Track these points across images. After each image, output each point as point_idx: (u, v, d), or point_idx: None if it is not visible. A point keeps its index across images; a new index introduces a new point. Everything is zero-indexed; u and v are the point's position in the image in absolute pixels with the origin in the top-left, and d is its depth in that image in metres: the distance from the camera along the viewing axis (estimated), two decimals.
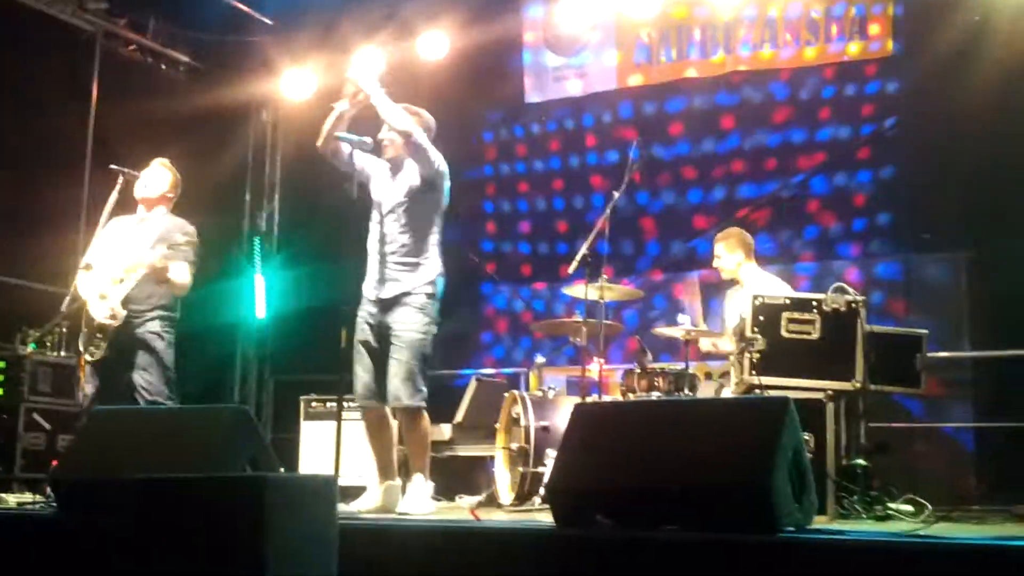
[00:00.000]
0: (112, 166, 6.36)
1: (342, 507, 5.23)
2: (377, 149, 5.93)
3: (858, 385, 5.66)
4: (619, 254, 7.12)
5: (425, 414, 5.80)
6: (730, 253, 6.91)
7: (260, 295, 9.60)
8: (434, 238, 5.89)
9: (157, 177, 6.48)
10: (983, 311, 7.52)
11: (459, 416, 7.73)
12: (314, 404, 8.03)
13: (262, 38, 9.63)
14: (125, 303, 6.08)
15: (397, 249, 5.86)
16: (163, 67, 9.63)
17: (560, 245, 8.79)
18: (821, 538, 4.29)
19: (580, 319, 6.80)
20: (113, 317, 6.04)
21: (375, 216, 5.97)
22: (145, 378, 6.13)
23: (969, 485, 6.46)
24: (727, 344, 6.78)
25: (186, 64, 9.74)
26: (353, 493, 5.98)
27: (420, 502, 5.69)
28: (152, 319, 6.22)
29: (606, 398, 6.51)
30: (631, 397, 6.46)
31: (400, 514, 5.59)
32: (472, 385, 7.91)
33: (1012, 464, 6.34)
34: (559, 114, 9.56)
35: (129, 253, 6.19)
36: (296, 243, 9.64)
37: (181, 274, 6.24)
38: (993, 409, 6.80)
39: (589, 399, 6.40)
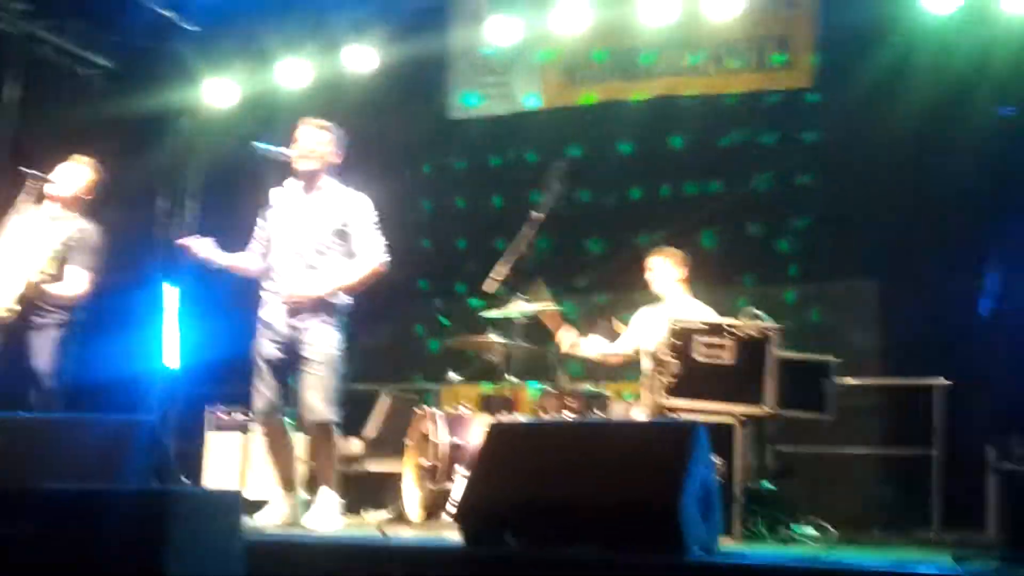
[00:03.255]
0: (21, 168, 6.25)
1: (247, 521, 5.19)
2: (287, 162, 5.93)
3: (767, 410, 5.73)
4: (537, 273, 7.11)
5: (335, 429, 5.78)
6: (674, 268, 6.97)
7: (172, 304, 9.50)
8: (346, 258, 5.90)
9: (73, 175, 6.37)
10: (892, 339, 7.65)
11: (369, 431, 7.68)
12: (220, 415, 7.91)
13: (184, 45, 9.52)
14: (21, 301, 5.98)
15: (307, 268, 5.85)
16: (82, 71, 9.47)
17: (482, 262, 8.78)
18: (725, 560, 4.34)
19: (496, 337, 6.80)
20: (9, 311, 5.94)
21: (283, 232, 5.93)
22: (36, 383, 6.04)
23: (877, 510, 6.55)
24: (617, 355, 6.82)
25: (106, 69, 9.59)
26: (259, 507, 5.92)
27: (327, 517, 5.66)
28: (48, 325, 6.12)
29: (519, 416, 6.51)
30: (544, 416, 6.47)
31: (306, 528, 5.55)
32: (383, 400, 7.87)
33: (915, 490, 6.44)
34: (484, 131, 9.55)
35: (34, 251, 6.08)
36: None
37: (78, 283, 6.14)
38: (898, 435, 6.91)
39: (502, 417, 6.40)
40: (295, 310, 5.79)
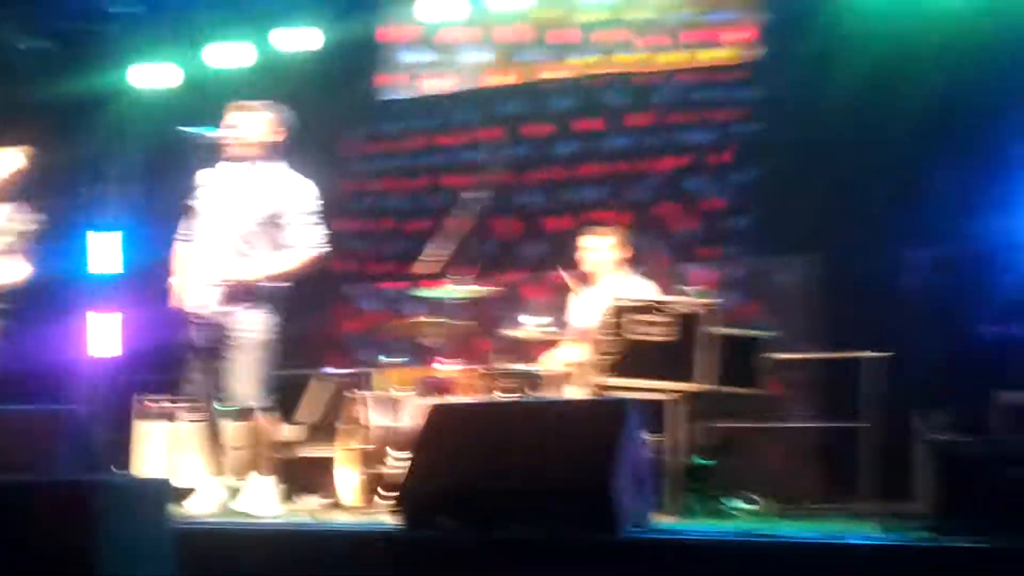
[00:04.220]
0: None
1: (176, 510, 5.15)
2: (218, 146, 5.85)
3: (701, 386, 5.76)
4: (473, 254, 7.09)
5: (264, 414, 5.75)
6: (613, 248, 6.95)
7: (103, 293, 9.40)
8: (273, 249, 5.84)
9: (2, 162, 6.28)
10: (831, 314, 7.71)
11: (303, 415, 7.63)
12: (147, 403, 7.79)
13: (117, 27, 9.39)
14: None
15: (252, 252, 5.78)
16: (11, 52, 9.31)
17: (414, 244, 8.73)
18: (661, 536, 4.39)
19: (429, 319, 6.78)
20: None
21: (212, 216, 5.87)
22: None
23: (809, 483, 6.62)
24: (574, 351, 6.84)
25: (36, 50, 9.43)
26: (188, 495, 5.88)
27: (259, 501, 5.63)
28: None
29: (452, 399, 6.49)
30: (477, 397, 6.46)
31: (239, 513, 5.52)
32: (315, 384, 7.81)
33: (849, 462, 6.50)
34: (418, 112, 9.51)
35: None
36: (143, 237, 9.41)
37: (15, 271, 6.05)
38: (834, 409, 6.98)
39: (433, 399, 6.36)
40: (223, 296, 5.73)
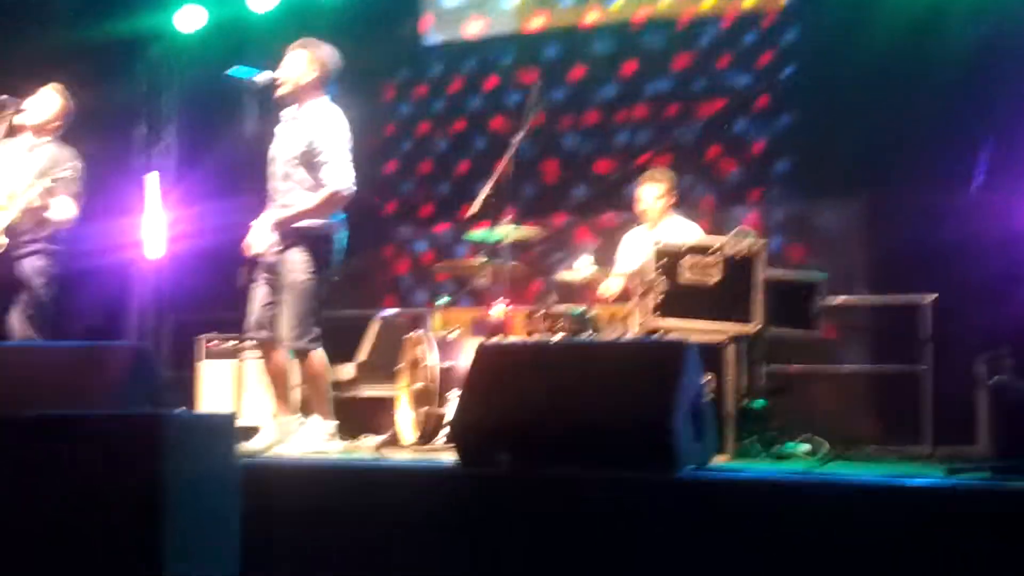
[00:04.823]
0: None
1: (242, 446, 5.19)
2: (271, 88, 5.86)
3: (757, 328, 5.74)
4: (520, 196, 7.06)
5: (319, 354, 5.79)
6: (665, 193, 6.97)
7: (157, 232, 9.40)
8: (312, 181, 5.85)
9: (43, 103, 6.30)
10: (880, 256, 7.65)
11: (362, 356, 7.67)
12: (214, 342, 7.89)
13: None
14: (8, 232, 5.94)
15: (289, 193, 5.83)
16: None
17: (461, 187, 8.72)
18: (718, 476, 4.38)
19: (482, 260, 6.78)
20: None
21: (270, 156, 5.90)
22: (21, 313, 6.00)
23: (865, 426, 6.60)
24: (614, 285, 6.81)
25: None
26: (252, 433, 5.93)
27: (311, 440, 5.69)
28: (32, 254, 6.08)
29: (509, 339, 6.50)
30: (534, 338, 6.47)
31: (288, 453, 5.58)
32: (375, 325, 7.85)
33: (904, 406, 6.48)
34: (460, 55, 9.46)
35: (13, 181, 6.02)
36: (193, 179, 9.42)
37: (64, 209, 6.10)
38: (889, 352, 6.94)
39: (491, 340, 6.40)
40: (274, 237, 5.77)
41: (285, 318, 5.72)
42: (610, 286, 6.92)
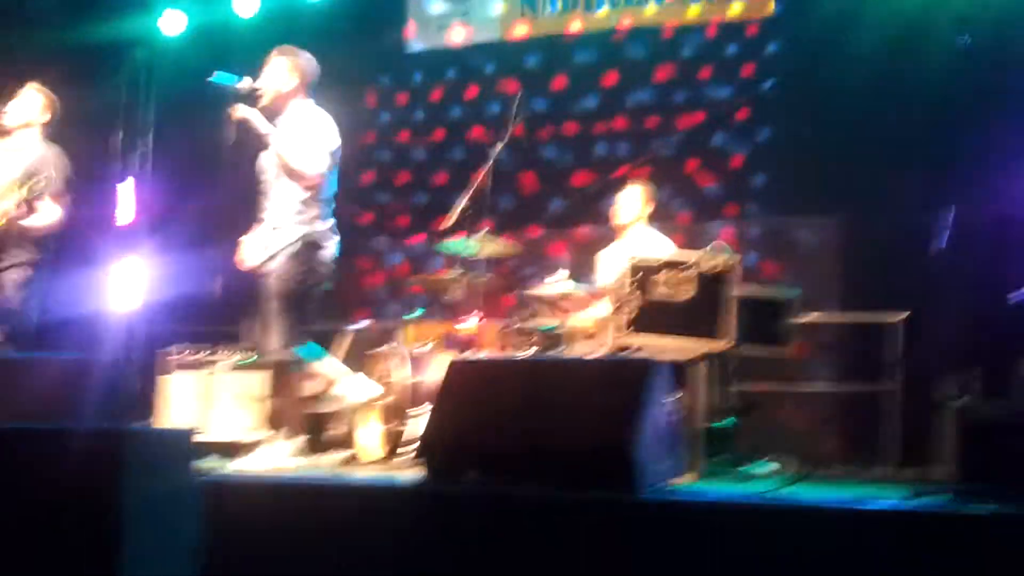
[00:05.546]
0: None
1: (231, 464, 5.20)
2: (252, 96, 5.84)
3: (728, 345, 5.74)
4: (498, 208, 7.06)
5: (296, 368, 5.75)
6: (643, 205, 6.95)
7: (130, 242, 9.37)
8: (311, 193, 5.82)
9: (25, 101, 6.27)
10: (854, 275, 7.68)
11: None
12: (182, 355, 7.82)
13: None
14: None
15: (273, 202, 5.83)
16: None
17: (439, 197, 8.72)
18: (682, 498, 4.38)
19: (456, 273, 6.77)
20: None
21: (259, 168, 5.89)
22: (3, 322, 5.98)
23: (831, 447, 6.62)
24: (600, 309, 6.81)
25: None
26: (222, 449, 5.92)
27: (276, 456, 5.64)
28: (13, 266, 6.05)
29: (481, 354, 6.49)
30: (506, 354, 6.46)
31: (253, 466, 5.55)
32: (346, 338, 7.82)
33: (871, 426, 6.49)
34: (442, 63, 9.45)
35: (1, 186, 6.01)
36: (171, 186, 9.39)
37: (47, 214, 6.07)
38: (857, 371, 6.96)
39: (463, 355, 6.39)
40: (267, 252, 5.78)
41: (267, 328, 5.68)
42: (595, 310, 6.89)
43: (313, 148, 5.77)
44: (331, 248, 5.88)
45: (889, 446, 6.38)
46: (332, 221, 5.92)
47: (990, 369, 5.90)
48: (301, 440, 5.79)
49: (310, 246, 5.79)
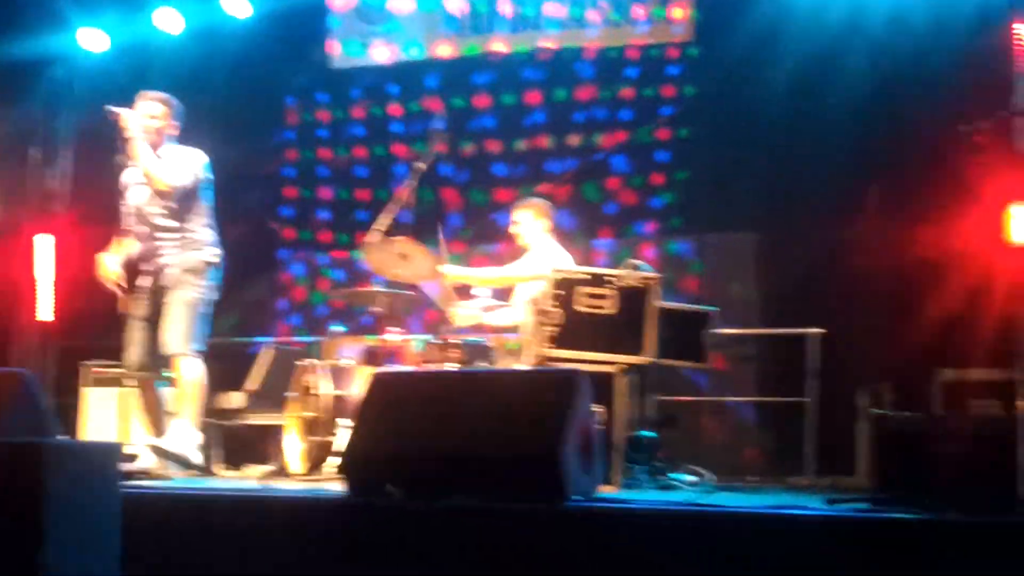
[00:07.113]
0: None
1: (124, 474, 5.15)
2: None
3: (648, 359, 5.80)
4: (420, 225, 7.07)
5: (198, 363, 5.89)
6: (536, 219, 6.96)
7: (45, 255, 9.23)
8: (201, 213, 6.02)
9: None
10: (770, 290, 7.80)
11: (252, 384, 7.61)
12: (98, 370, 7.75)
13: None
14: None
15: (164, 227, 5.96)
16: None
17: (361, 213, 8.71)
18: (606, 506, 4.41)
19: (378, 288, 6.77)
20: None
21: (133, 207, 6.05)
22: None
23: (750, 456, 6.71)
24: (504, 318, 6.85)
25: None
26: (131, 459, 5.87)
27: (182, 441, 5.78)
28: None
29: (403, 368, 6.49)
30: (428, 368, 6.46)
31: (166, 453, 5.71)
32: (265, 353, 7.79)
33: (789, 437, 6.59)
34: (365, 81, 9.47)
35: None
36: (88, 204, 9.28)
37: None
38: (775, 384, 7.07)
39: (385, 369, 6.38)
40: (159, 270, 5.94)
41: (170, 326, 5.84)
42: (505, 317, 6.93)
43: (182, 165, 5.94)
44: (219, 265, 6.06)
45: (807, 456, 6.49)
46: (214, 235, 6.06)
47: (905, 381, 6.05)
48: (202, 436, 5.94)
49: (209, 265, 6.00)
